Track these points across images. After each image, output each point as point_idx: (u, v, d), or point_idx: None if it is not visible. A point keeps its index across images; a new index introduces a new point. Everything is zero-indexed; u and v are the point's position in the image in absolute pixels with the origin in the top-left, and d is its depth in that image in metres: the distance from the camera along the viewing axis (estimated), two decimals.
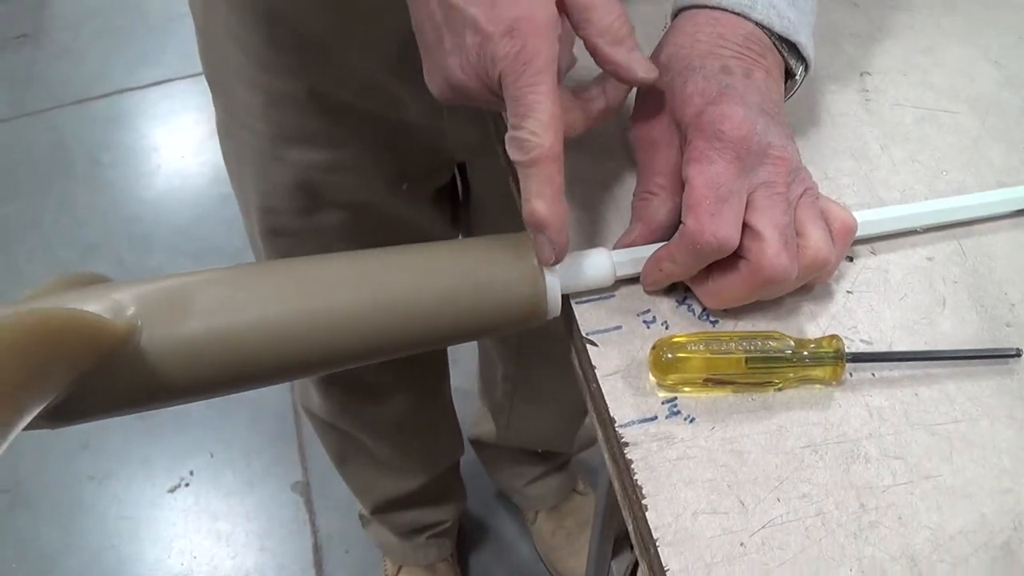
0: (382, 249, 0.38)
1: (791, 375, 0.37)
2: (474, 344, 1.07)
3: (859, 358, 0.38)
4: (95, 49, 2.04)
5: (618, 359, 0.38)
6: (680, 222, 0.37)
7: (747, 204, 0.36)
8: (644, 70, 0.37)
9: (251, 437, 1.38)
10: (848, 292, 0.41)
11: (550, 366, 0.94)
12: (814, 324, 0.40)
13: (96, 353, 0.30)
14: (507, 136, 0.34)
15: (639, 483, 0.34)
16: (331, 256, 0.37)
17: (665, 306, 0.40)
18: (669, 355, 0.36)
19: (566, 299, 0.40)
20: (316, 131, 0.60)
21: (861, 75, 0.52)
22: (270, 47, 0.56)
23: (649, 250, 0.39)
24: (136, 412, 0.34)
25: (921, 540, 0.34)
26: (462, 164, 0.74)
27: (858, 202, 0.45)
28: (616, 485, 0.37)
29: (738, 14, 0.40)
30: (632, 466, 0.35)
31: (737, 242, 0.36)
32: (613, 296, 0.40)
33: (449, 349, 0.96)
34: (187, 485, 1.34)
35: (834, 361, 0.37)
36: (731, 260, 0.37)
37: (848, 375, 0.38)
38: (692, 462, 0.35)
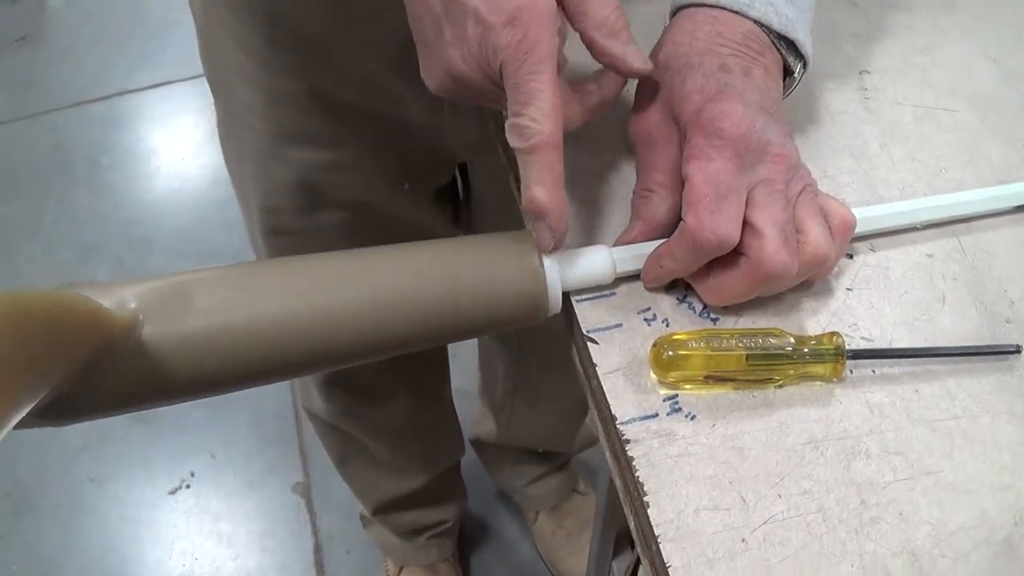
0: (383, 246, 0.38)
1: (792, 372, 0.37)
2: (474, 344, 1.07)
3: (859, 355, 0.38)
4: (94, 51, 2.04)
5: (619, 357, 0.38)
6: (680, 219, 0.37)
7: (747, 201, 0.37)
8: (639, 61, 0.37)
9: (252, 438, 1.38)
10: (848, 289, 0.41)
11: (550, 366, 0.95)
12: (814, 321, 0.40)
13: (96, 342, 0.30)
14: (508, 124, 0.34)
15: (640, 480, 0.34)
16: (332, 253, 0.37)
17: (666, 303, 0.40)
18: (670, 352, 0.36)
19: (566, 297, 0.40)
20: (317, 130, 0.60)
21: (860, 74, 0.52)
22: (270, 47, 0.56)
23: (649, 247, 0.39)
24: (136, 409, 0.34)
25: (922, 536, 0.34)
26: (463, 163, 0.74)
27: (858, 200, 0.45)
28: (617, 482, 0.37)
29: (736, 12, 0.40)
30: (633, 463, 0.35)
31: (737, 239, 0.36)
32: (614, 294, 0.40)
33: (449, 349, 0.96)
34: (188, 486, 1.34)
35: (834, 358, 0.37)
36: (731, 257, 0.37)
37: (848, 372, 0.38)
38: (693, 459, 0.35)
